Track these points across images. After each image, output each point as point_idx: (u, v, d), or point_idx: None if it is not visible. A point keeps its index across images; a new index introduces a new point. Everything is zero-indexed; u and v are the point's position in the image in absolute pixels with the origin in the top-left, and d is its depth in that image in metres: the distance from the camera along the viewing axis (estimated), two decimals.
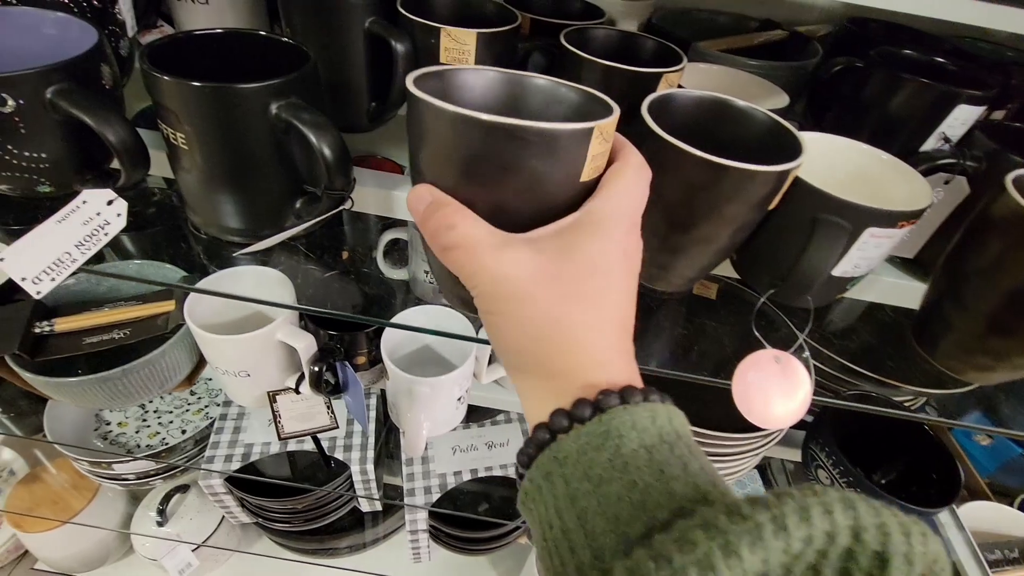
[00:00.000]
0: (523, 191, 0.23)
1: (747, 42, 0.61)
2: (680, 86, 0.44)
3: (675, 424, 0.21)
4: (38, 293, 0.34)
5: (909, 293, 0.46)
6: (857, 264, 0.37)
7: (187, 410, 0.88)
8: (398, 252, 0.64)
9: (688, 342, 0.47)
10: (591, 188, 0.25)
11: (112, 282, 0.63)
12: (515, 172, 0.23)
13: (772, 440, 0.59)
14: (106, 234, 0.36)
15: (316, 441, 0.66)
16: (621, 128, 0.27)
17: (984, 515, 0.73)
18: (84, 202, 0.36)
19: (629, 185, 0.24)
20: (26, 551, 1.00)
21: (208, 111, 0.32)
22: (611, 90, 0.38)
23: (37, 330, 0.54)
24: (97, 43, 0.35)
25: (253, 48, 0.39)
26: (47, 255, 0.34)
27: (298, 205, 0.38)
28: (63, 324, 0.55)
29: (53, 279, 0.34)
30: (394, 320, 0.57)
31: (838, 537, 0.15)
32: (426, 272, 0.62)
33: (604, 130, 0.24)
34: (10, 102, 0.31)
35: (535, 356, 0.23)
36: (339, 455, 0.72)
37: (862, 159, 0.41)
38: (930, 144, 0.45)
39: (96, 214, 0.36)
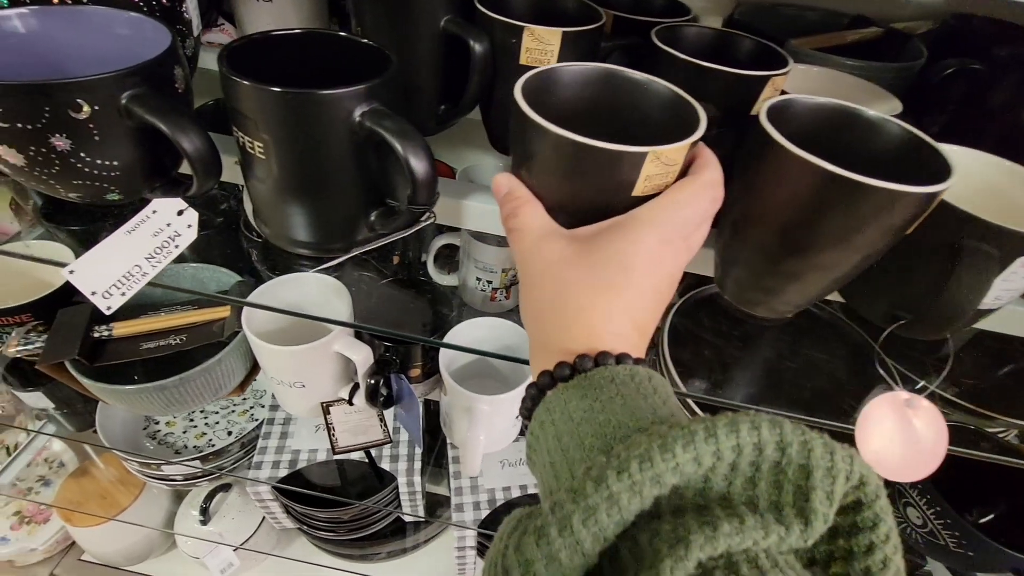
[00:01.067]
0: (581, 196, 0.28)
1: (839, 40, 0.56)
2: (783, 91, 0.40)
3: (654, 383, 0.24)
4: (108, 308, 0.32)
5: None
6: (999, 296, 0.33)
7: (233, 411, 0.88)
8: (445, 258, 0.62)
9: (785, 374, 0.43)
10: (647, 199, 0.28)
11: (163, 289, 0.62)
12: (574, 179, 0.28)
13: None
14: (176, 246, 0.34)
15: (369, 456, 0.64)
16: (727, 134, 0.31)
17: None
18: (154, 212, 0.34)
19: (683, 198, 0.27)
20: (73, 542, 1.02)
21: (292, 118, 0.30)
22: (711, 93, 0.35)
23: (96, 334, 0.53)
24: (171, 45, 0.33)
25: (328, 50, 0.37)
26: (117, 268, 0.33)
27: (374, 218, 0.36)
28: (121, 329, 0.54)
29: (124, 294, 0.32)
30: (451, 335, 0.55)
31: (765, 449, 0.18)
32: (477, 279, 0.59)
33: (662, 155, 0.27)
34: (86, 108, 0.30)
35: (552, 325, 0.26)
36: (385, 465, 0.70)
37: (997, 176, 0.37)
38: None
39: (166, 224, 0.34)
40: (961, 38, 0.55)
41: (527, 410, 0.26)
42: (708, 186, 0.28)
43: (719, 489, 0.18)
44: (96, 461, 0.96)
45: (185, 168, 0.39)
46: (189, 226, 0.34)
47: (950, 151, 0.37)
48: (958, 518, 0.50)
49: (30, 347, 0.51)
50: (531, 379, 0.27)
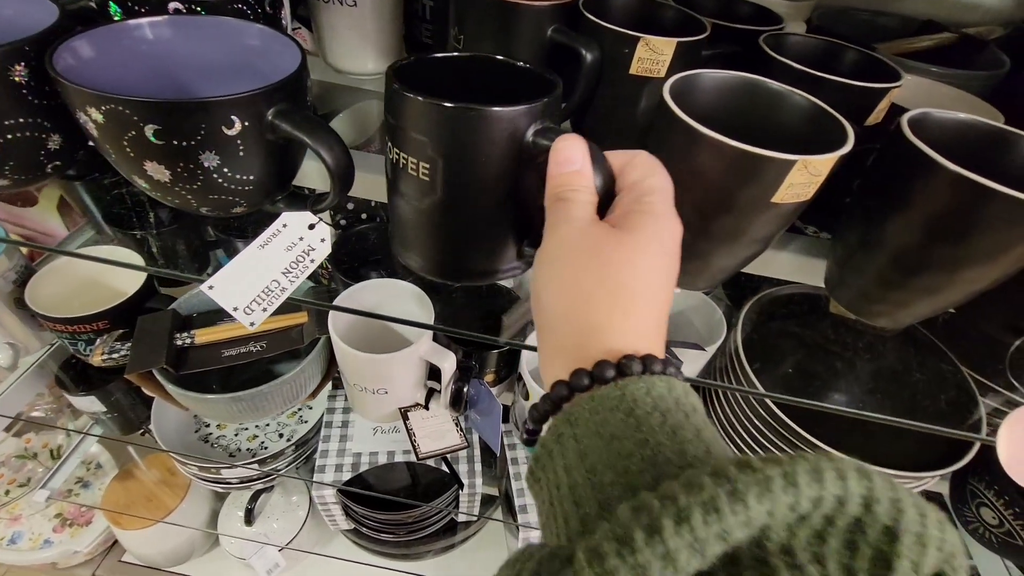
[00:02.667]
0: (719, 198, 0.30)
1: (916, 45, 0.56)
2: (894, 103, 0.40)
3: (691, 399, 0.21)
4: (252, 324, 0.32)
5: None
6: None
7: (282, 414, 0.88)
8: None
9: (892, 379, 0.44)
10: (783, 207, 0.29)
11: None
12: (716, 181, 0.30)
13: (930, 479, 0.55)
14: (312, 260, 0.34)
15: (447, 461, 0.64)
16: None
17: None
18: (284, 226, 0.34)
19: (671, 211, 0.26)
20: (114, 543, 1.02)
21: (470, 136, 0.28)
22: (823, 101, 0.35)
23: (178, 342, 0.53)
24: (303, 59, 0.33)
25: (482, 72, 0.35)
26: (256, 284, 0.33)
27: (525, 244, 0.34)
28: (203, 336, 0.54)
29: (265, 309, 0.32)
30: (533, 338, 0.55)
31: (848, 504, 0.15)
32: None
33: (810, 165, 0.28)
34: (237, 124, 0.29)
35: (568, 317, 0.23)
36: (445, 468, 0.70)
37: None
38: None
39: (299, 239, 0.34)
40: None
41: (538, 419, 0.23)
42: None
43: (779, 539, 0.15)
44: (140, 463, 0.96)
45: (299, 180, 0.39)
46: (323, 240, 0.34)
47: None
48: None
49: (116, 355, 0.51)
50: (548, 381, 0.23)
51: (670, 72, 0.41)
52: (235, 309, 0.32)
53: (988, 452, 0.61)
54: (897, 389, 0.44)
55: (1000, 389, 0.40)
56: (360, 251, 0.68)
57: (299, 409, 0.89)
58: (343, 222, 0.67)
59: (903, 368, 0.45)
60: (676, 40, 0.39)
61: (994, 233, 0.29)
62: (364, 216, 0.71)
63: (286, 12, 0.44)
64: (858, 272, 0.36)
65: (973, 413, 0.41)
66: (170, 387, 0.50)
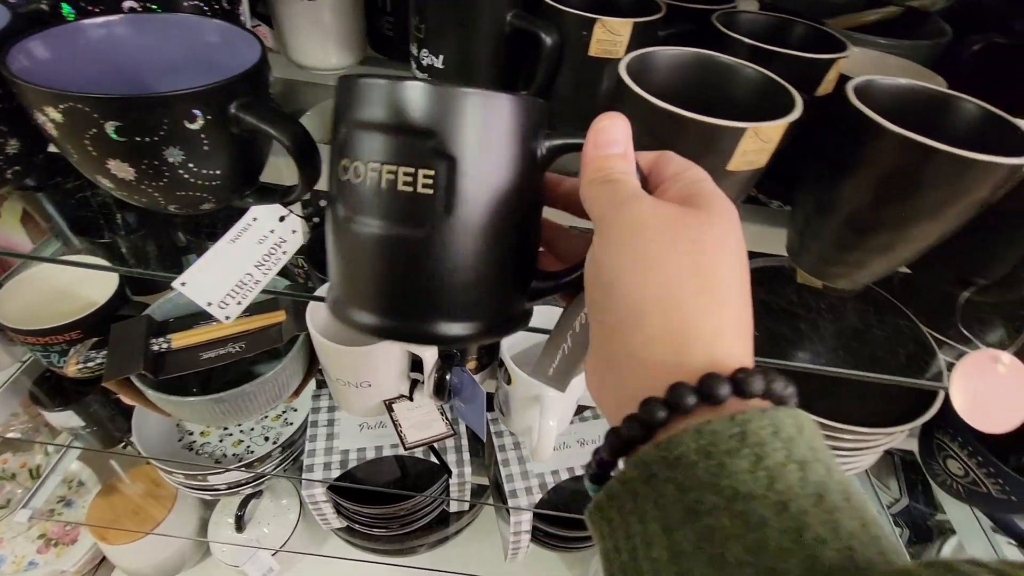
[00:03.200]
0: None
1: (863, 19, 0.58)
2: (842, 74, 0.42)
3: (820, 441, 0.16)
4: (227, 318, 0.32)
5: None
6: None
7: (266, 417, 0.87)
8: None
9: (853, 337, 0.46)
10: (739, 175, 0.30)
11: None
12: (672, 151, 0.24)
13: (900, 434, 0.58)
14: (284, 252, 0.34)
15: (435, 451, 0.65)
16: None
17: None
18: (255, 219, 0.34)
19: None
20: (102, 560, 1.00)
21: (498, 126, 0.22)
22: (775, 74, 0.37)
23: (155, 347, 0.52)
24: (264, 51, 0.33)
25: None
26: (229, 278, 0.33)
27: (533, 283, 0.26)
28: (180, 340, 0.53)
29: (239, 303, 0.32)
30: None
31: None
32: None
33: (761, 132, 0.29)
34: (199, 118, 0.29)
35: (659, 308, 0.18)
36: (433, 458, 0.71)
37: None
38: None
39: (270, 231, 0.34)
40: (973, 13, 0.58)
41: (618, 449, 0.18)
42: None
43: None
44: (123, 477, 0.94)
45: (266, 176, 0.39)
46: (294, 232, 0.34)
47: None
48: (1000, 465, 0.53)
49: (91, 364, 0.50)
50: (628, 401, 0.18)
51: (628, 53, 0.42)
52: (209, 304, 0.32)
53: (950, 406, 0.64)
54: (859, 347, 0.46)
55: (954, 343, 0.43)
56: None
57: (283, 412, 0.89)
58: (316, 219, 0.67)
59: (864, 327, 0.47)
60: (632, 21, 0.40)
61: (937, 189, 0.30)
62: None
63: (244, 8, 0.44)
64: (816, 237, 0.38)
65: (932, 366, 0.43)
66: (150, 392, 0.50)
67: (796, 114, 0.31)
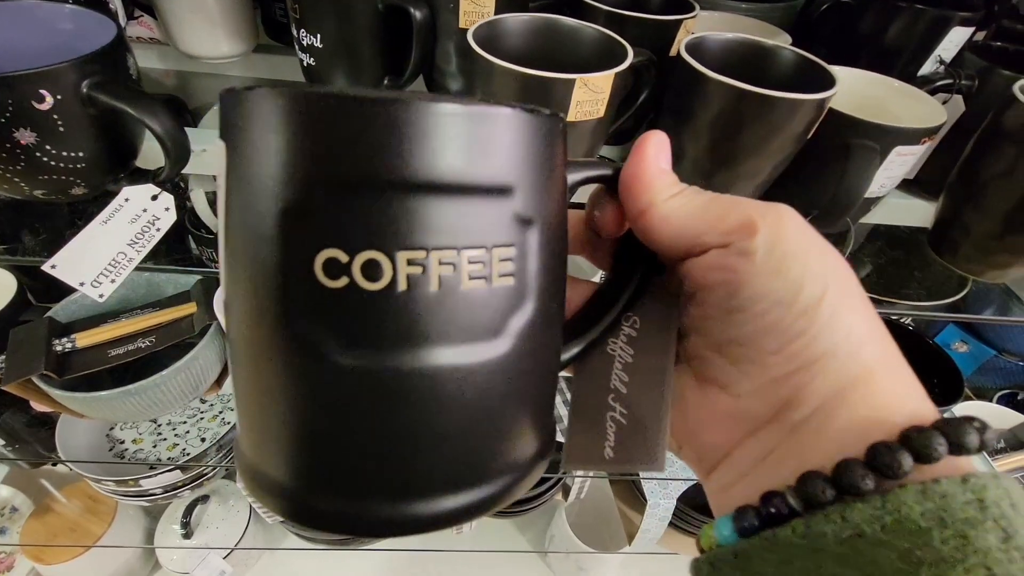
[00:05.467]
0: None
1: None
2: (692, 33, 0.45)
3: None
4: (100, 296, 0.33)
5: (915, 212, 0.49)
6: (883, 184, 0.40)
7: (202, 418, 0.87)
8: None
9: None
10: (580, 125, 0.33)
11: (121, 293, 0.60)
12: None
13: None
14: (158, 229, 0.35)
15: None
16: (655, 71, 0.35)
17: (971, 412, 0.80)
18: (126, 200, 0.35)
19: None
20: None
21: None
22: (634, 39, 0.40)
23: (58, 348, 0.52)
24: (119, 33, 0.34)
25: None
26: (101, 258, 0.33)
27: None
28: (84, 339, 0.53)
29: (113, 280, 0.33)
30: None
31: None
32: None
33: (589, 82, 0.31)
34: (48, 98, 0.30)
35: (869, 341, 0.15)
36: None
37: (871, 87, 0.44)
38: (927, 68, 0.48)
39: (143, 211, 0.35)
40: None
41: (784, 514, 0.14)
42: None
43: None
44: (57, 496, 0.91)
45: (141, 161, 0.40)
46: (167, 209, 0.35)
47: (834, 69, 0.44)
48: None
49: None
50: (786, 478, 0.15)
51: None
52: (81, 284, 0.33)
53: None
54: None
55: None
56: None
57: (221, 411, 0.88)
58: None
59: None
60: None
61: (757, 128, 0.34)
62: None
63: None
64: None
65: None
66: (55, 392, 0.49)
67: (625, 65, 0.34)
